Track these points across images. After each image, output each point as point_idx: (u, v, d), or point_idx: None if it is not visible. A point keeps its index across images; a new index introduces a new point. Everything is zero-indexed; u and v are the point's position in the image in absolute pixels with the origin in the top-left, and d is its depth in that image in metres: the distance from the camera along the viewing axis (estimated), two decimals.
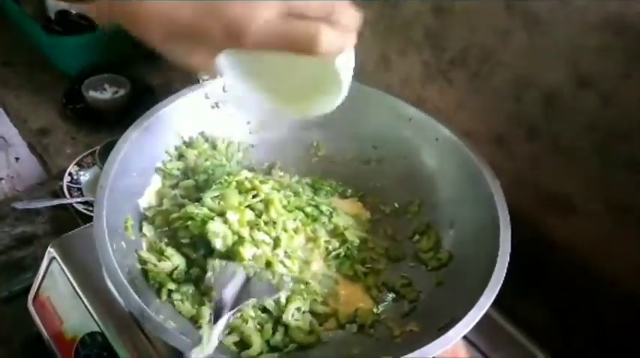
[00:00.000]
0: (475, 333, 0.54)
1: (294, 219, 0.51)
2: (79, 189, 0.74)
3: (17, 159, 1.68)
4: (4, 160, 1.70)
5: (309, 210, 0.53)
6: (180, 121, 0.56)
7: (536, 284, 0.59)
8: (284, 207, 0.51)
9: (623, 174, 0.53)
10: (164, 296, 0.45)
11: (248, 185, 0.52)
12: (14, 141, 1.61)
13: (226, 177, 0.52)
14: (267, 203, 0.50)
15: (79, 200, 0.71)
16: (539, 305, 0.59)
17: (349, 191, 0.60)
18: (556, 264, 0.60)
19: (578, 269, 0.59)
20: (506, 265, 0.43)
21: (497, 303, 0.43)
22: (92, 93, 0.88)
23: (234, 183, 0.51)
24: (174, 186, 0.54)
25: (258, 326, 0.45)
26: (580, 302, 0.58)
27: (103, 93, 0.89)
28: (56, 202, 0.71)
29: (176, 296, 0.45)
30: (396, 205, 0.58)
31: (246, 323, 0.44)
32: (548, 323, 0.57)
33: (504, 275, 0.42)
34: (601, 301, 0.57)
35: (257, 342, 0.43)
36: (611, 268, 0.57)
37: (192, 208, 0.48)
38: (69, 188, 0.73)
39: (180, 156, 0.56)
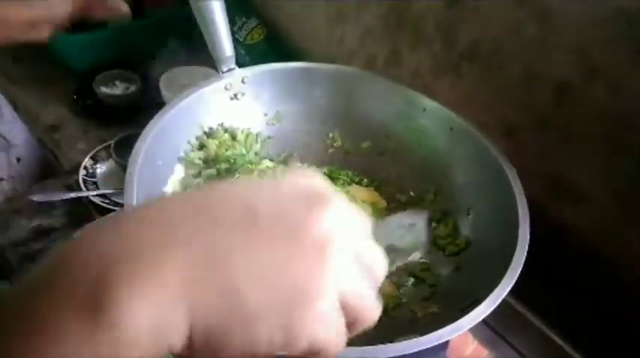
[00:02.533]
0: (490, 315, 0.56)
1: None
2: (94, 183, 0.75)
3: (19, 159, 1.68)
4: (5, 161, 1.70)
5: None
6: (200, 112, 0.57)
7: (548, 271, 0.60)
8: None
9: (632, 162, 0.55)
10: None
11: (270, 174, 0.53)
12: (16, 141, 1.61)
13: (249, 165, 0.53)
14: None
15: (95, 193, 0.72)
16: (551, 290, 0.60)
17: (365, 181, 0.62)
18: (566, 251, 0.61)
19: (588, 256, 0.60)
20: (527, 246, 0.45)
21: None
22: (103, 89, 0.88)
23: (256, 172, 0.53)
24: (197, 175, 0.55)
25: None
26: (590, 288, 0.60)
27: (114, 89, 0.90)
28: (73, 195, 0.71)
29: None
30: (412, 194, 0.60)
31: None
32: (560, 308, 0.59)
33: (525, 255, 0.44)
34: (611, 286, 0.59)
35: None
36: (620, 254, 0.58)
37: None
38: (84, 181, 0.74)
39: (202, 146, 0.57)
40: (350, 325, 0.25)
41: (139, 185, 0.48)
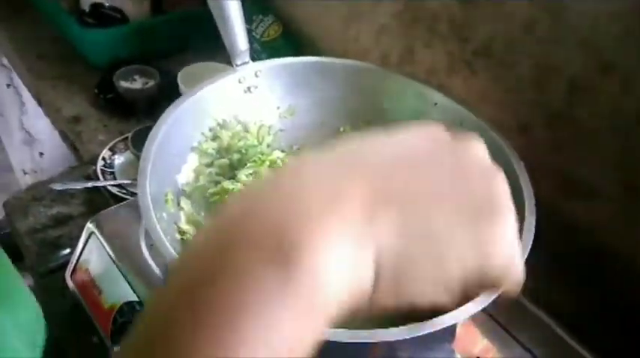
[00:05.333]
0: (497, 310, 0.56)
1: None
2: (112, 173, 0.77)
3: (41, 154, 1.72)
4: (28, 155, 1.75)
5: None
6: (214, 104, 0.59)
7: (558, 267, 0.60)
8: None
9: None
10: None
11: (280, 164, 0.54)
12: (40, 136, 1.66)
13: (260, 156, 0.54)
14: None
15: (112, 183, 0.74)
16: (561, 287, 0.60)
17: None
18: (578, 248, 0.61)
19: (599, 253, 0.60)
20: (532, 239, 0.45)
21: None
22: (123, 84, 0.91)
23: (267, 162, 0.54)
24: (210, 165, 0.56)
25: None
26: (601, 285, 0.59)
27: (134, 83, 0.92)
28: (91, 184, 0.73)
29: None
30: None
31: None
32: (570, 304, 0.58)
33: (530, 247, 0.44)
34: (622, 284, 0.58)
35: None
36: (632, 251, 0.58)
37: (228, 184, 0.51)
38: (102, 172, 0.76)
39: (215, 137, 0.58)
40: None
41: (153, 172, 0.49)
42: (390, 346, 0.51)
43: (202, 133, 0.58)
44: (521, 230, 0.46)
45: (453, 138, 0.25)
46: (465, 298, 0.25)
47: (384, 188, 0.22)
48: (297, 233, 0.20)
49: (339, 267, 0.20)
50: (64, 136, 0.93)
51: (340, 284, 0.20)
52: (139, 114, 0.91)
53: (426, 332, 0.38)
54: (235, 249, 0.20)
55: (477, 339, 0.56)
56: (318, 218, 0.20)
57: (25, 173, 1.80)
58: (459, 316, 0.40)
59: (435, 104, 0.60)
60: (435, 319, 0.39)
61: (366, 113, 0.63)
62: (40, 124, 1.58)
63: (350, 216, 0.21)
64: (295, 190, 0.22)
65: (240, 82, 0.60)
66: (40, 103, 1.00)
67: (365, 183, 0.22)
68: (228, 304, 0.19)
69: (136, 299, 0.52)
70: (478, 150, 0.25)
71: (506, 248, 0.23)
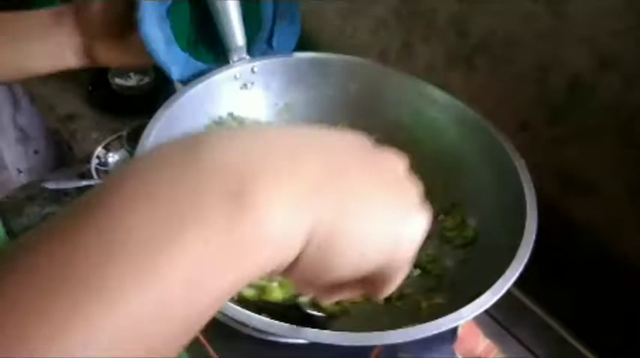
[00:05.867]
0: (497, 310, 0.55)
1: None
2: (106, 171, 0.76)
3: (36, 152, 1.71)
4: (23, 153, 1.73)
5: None
6: (209, 101, 0.58)
7: (559, 266, 0.59)
8: None
9: None
10: None
11: None
12: (34, 134, 1.64)
13: None
14: None
15: None
16: (562, 286, 0.59)
17: None
18: (578, 246, 0.61)
19: (599, 251, 0.59)
20: (534, 238, 0.44)
21: (519, 281, 0.43)
22: (118, 81, 0.89)
23: None
24: None
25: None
26: (601, 283, 0.59)
27: (128, 80, 0.91)
28: (85, 183, 0.72)
29: None
30: (421, 185, 0.59)
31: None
32: (571, 303, 0.58)
33: (531, 247, 0.43)
34: (623, 282, 0.58)
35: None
36: (633, 250, 0.57)
37: None
38: (97, 170, 0.75)
39: None
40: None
41: None
42: (392, 347, 0.50)
43: (198, 130, 0.57)
44: (522, 229, 0.45)
45: (377, 148, 0.28)
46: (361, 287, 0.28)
47: (333, 167, 0.24)
48: (257, 176, 0.21)
49: (283, 223, 0.22)
50: (59, 135, 0.92)
51: (277, 242, 0.22)
52: (134, 112, 0.89)
53: (428, 334, 0.38)
54: (191, 180, 0.21)
55: (478, 339, 0.56)
56: (275, 173, 0.22)
57: (19, 172, 1.78)
58: (460, 318, 0.39)
59: (435, 101, 0.59)
60: (437, 321, 0.39)
61: (364, 110, 0.62)
62: (34, 122, 1.56)
63: (299, 184, 0.22)
64: (259, 144, 0.24)
65: (236, 78, 0.59)
66: (33, 101, 0.99)
67: (319, 157, 0.24)
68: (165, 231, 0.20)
69: None
70: (399, 163, 0.28)
71: (409, 252, 0.26)
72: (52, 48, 0.56)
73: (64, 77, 0.96)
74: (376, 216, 0.24)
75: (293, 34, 0.63)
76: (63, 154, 1.05)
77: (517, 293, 0.56)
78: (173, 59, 0.57)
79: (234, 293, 0.22)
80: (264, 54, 0.62)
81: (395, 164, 0.28)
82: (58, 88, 0.95)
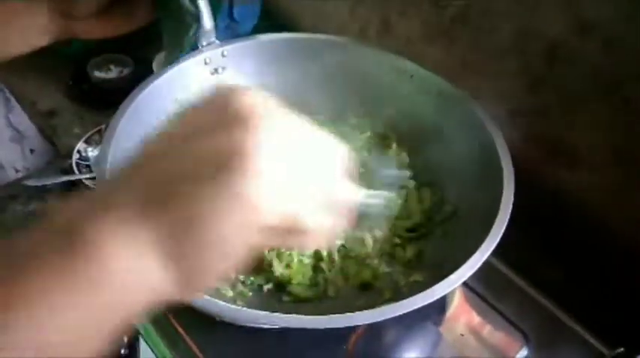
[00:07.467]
0: (482, 285, 0.54)
1: None
2: (88, 166, 0.75)
3: (32, 150, 1.70)
4: (19, 152, 1.73)
5: None
6: (179, 87, 0.56)
7: (545, 238, 0.58)
8: None
9: (629, 120, 0.52)
10: None
11: None
12: (29, 133, 1.64)
13: None
14: None
15: (88, 176, 0.72)
16: (548, 258, 0.58)
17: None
18: (564, 217, 0.59)
19: (586, 222, 0.58)
20: (509, 212, 0.43)
21: (503, 256, 0.42)
22: (97, 74, 0.88)
23: None
24: None
25: None
26: (589, 254, 0.57)
27: (109, 73, 0.90)
28: (65, 178, 0.72)
29: None
30: None
31: None
32: (557, 276, 0.56)
33: (508, 217, 0.42)
34: (610, 253, 0.56)
35: None
36: (619, 220, 0.56)
37: None
38: (78, 165, 0.74)
39: None
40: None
41: (116, 163, 0.47)
42: (375, 329, 0.49)
43: (167, 117, 0.56)
44: (499, 201, 0.44)
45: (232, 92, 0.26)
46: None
47: (155, 184, 0.24)
48: (89, 226, 0.22)
49: (126, 265, 0.22)
50: (42, 131, 0.91)
51: (127, 281, 0.23)
52: (115, 105, 0.88)
53: (399, 313, 0.37)
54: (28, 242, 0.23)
55: (468, 316, 0.55)
56: (102, 216, 0.23)
57: (16, 171, 1.78)
58: (433, 295, 0.38)
59: (412, 76, 0.58)
60: (409, 299, 0.38)
61: (340, 88, 0.61)
62: (28, 121, 1.55)
63: (126, 216, 0.23)
64: (92, 194, 0.25)
65: (206, 63, 0.58)
66: (15, 97, 0.98)
67: (141, 182, 0.24)
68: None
69: None
70: (245, 99, 0.26)
71: (270, 198, 0.24)
72: (30, 25, 0.56)
73: (44, 72, 0.95)
74: (205, 195, 0.23)
75: (253, 3, 0.61)
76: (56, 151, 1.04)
77: (502, 267, 0.55)
78: None
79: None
80: (227, 28, 0.60)
81: (236, 102, 0.26)
82: (38, 83, 0.94)
